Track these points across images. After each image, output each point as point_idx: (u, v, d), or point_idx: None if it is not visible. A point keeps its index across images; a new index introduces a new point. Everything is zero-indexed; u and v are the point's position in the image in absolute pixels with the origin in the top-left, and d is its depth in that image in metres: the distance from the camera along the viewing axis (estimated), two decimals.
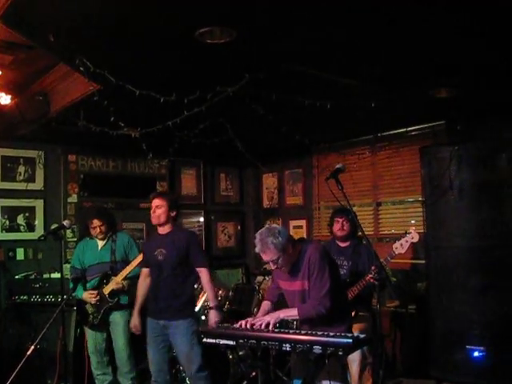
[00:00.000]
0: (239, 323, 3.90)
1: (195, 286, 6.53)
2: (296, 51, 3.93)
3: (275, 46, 3.81)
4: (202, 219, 8.50)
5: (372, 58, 4.10)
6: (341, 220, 5.15)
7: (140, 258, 5.54)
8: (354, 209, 6.95)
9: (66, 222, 4.35)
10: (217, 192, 8.74)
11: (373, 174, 7.22)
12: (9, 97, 5.05)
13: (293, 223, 8.27)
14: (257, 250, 3.81)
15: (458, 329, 4.91)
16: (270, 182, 8.77)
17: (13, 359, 5.95)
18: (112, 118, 4.52)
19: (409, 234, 4.87)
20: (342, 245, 5.22)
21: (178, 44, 3.69)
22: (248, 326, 3.83)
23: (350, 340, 3.36)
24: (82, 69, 3.96)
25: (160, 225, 4.83)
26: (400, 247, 4.87)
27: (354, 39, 3.69)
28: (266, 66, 4.10)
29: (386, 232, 7.07)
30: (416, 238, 4.86)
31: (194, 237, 5.03)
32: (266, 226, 3.90)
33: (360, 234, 4.65)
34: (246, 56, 3.93)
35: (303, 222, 8.13)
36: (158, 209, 4.73)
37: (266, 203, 8.86)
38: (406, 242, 4.86)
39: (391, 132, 6.80)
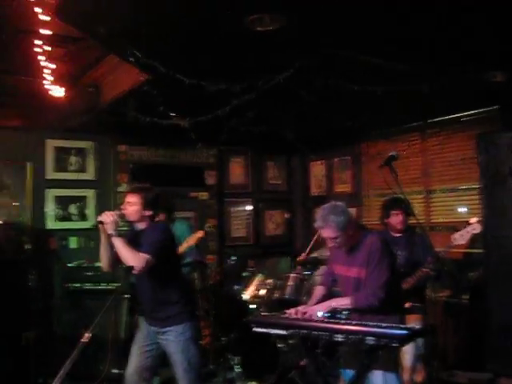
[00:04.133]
0: (290, 312, 3.88)
1: (244, 274, 6.59)
2: (346, 37, 3.85)
3: (325, 33, 3.75)
4: (250, 208, 8.51)
5: (425, 41, 3.98)
6: (400, 213, 5.00)
7: (190, 242, 5.62)
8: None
9: (116, 212, 4.30)
10: (265, 180, 8.72)
11: (423, 161, 7.07)
12: (62, 89, 5.12)
13: None
14: (316, 225, 3.72)
15: None
16: (317, 169, 8.69)
17: (68, 345, 6.11)
18: (161, 108, 4.52)
19: (470, 224, 4.71)
20: (397, 235, 5.10)
21: (228, 32, 3.68)
22: (299, 317, 3.80)
23: (405, 331, 3.29)
24: (132, 59, 3.98)
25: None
26: (460, 238, 4.71)
27: (405, 23, 3.59)
28: (316, 52, 4.03)
29: (437, 220, 6.90)
30: (478, 229, 4.69)
31: (158, 229, 4.10)
32: (331, 202, 3.81)
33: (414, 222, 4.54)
34: (296, 43, 3.88)
35: (353, 210, 7.99)
36: (130, 206, 4.05)
37: (313, 191, 8.79)
38: (467, 232, 4.69)
39: (442, 118, 6.63)
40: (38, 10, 3.58)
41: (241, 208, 8.42)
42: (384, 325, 3.41)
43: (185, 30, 3.69)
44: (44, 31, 3.86)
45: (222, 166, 8.25)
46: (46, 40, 4.05)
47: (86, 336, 3.66)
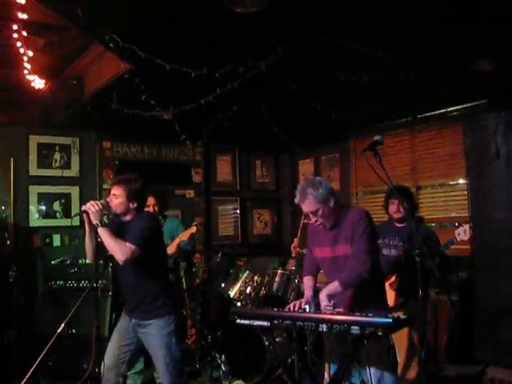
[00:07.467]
0: (289, 307, 3.76)
1: (231, 271, 6.49)
2: (329, 22, 3.78)
3: (308, 17, 3.67)
4: (237, 206, 8.42)
5: (409, 28, 3.91)
6: (396, 201, 4.87)
7: (182, 237, 5.60)
8: None
9: (102, 202, 4.10)
10: (252, 179, 8.64)
11: (412, 157, 7.00)
12: (42, 81, 5.04)
13: None
14: (296, 200, 3.68)
15: (505, 307, 4.65)
16: (306, 167, 8.61)
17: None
18: (143, 97, 4.43)
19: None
20: (399, 225, 4.97)
21: (207, 13, 3.58)
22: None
23: (390, 320, 3.22)
24: (111, 45, 3.89)
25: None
26: (463, 234, 4.65)
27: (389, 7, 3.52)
28: (299, 38, 3.95)
29: (427, 217, 6.81)
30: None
31: (143, 219, 4.01)
32: (309, 178, 3.74)
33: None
34: (278, 27, 3.80)
35: None
36: (115, 198, 3.96)
37: None
38: (470, 227, 4.66)
39: (431, 113, 6.57)
40: None
41: (228, 206, 8.33)
42: (370, 314, 3.34)
43: (163, 12, 3.60)
44: (21, 15, 3.78)
45: (209, 164, 8.15)
46: (24, 25, 3.97)
47: (62, 327, 3.59)
